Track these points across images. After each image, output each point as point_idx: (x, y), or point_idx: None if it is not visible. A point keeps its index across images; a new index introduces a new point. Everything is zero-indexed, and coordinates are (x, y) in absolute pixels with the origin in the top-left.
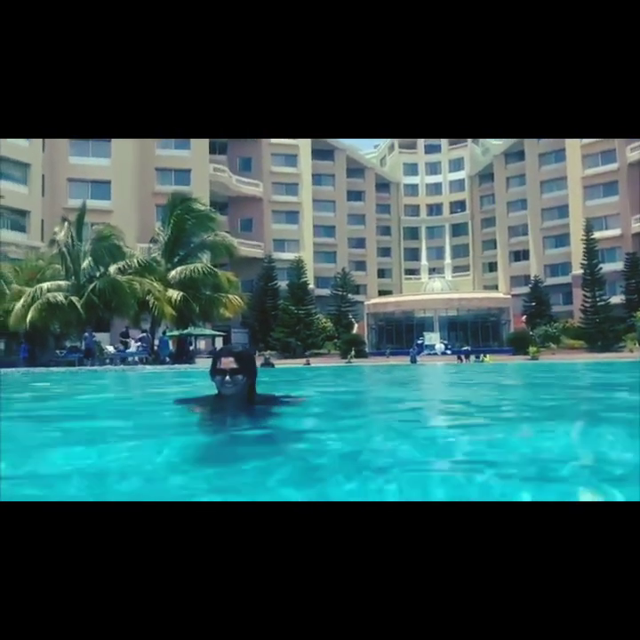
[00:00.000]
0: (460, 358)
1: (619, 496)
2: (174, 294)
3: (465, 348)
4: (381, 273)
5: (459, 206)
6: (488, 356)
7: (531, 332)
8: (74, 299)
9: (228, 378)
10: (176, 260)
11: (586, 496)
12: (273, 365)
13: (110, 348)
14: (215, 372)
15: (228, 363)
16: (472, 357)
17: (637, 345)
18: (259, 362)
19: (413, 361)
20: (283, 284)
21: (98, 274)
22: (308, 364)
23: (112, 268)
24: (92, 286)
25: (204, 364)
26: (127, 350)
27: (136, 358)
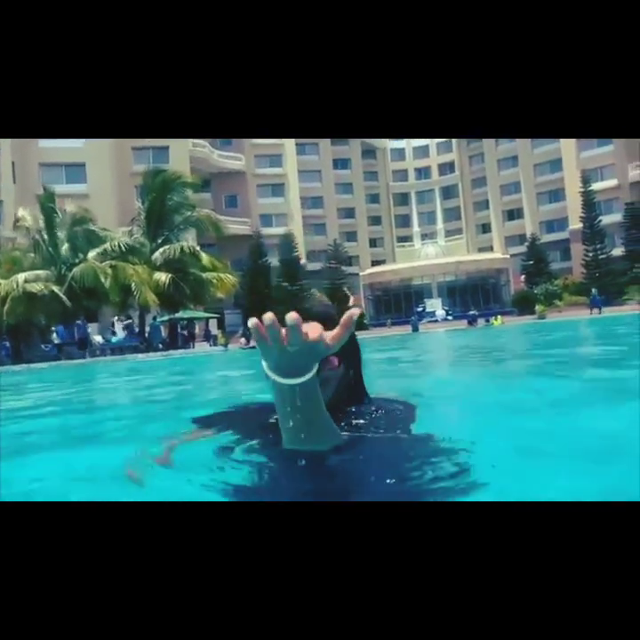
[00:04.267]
0: (470, 322)
1: None
2: (162, 277)
3: (472, 313)
4: (373, 242)
5: (448, 168)
6: (498, 318)
7: (535, 292)
8: (55, 288)
9: None
10: (160, 240)
11: None
12: None
13: (98, 339)
14: None
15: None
16: (480, 321)
17: None
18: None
19: (415, 329)
20: (273, 260)
21: (77, 260)
22: None
23: (91, 254)
24: (71, 274)
25: (203, 349)
26: (113, 339)
27: (126, 347)
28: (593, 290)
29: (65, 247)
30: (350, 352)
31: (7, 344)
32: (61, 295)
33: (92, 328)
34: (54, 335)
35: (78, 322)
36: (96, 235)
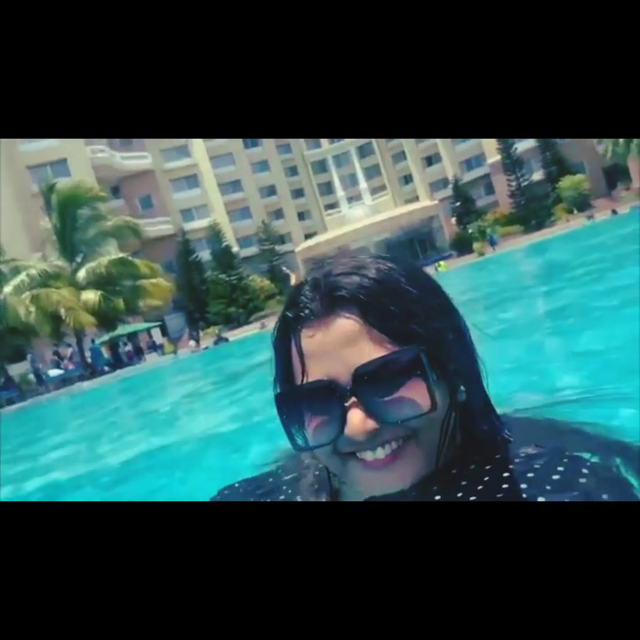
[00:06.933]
0: None
1: None
2: (90, 296)
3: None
4: (301, 216)
5: None
6: (442, 263)
7: (470, 231)
8: None
9: (362, 422)
10: (79, 259)
11: None
12: (227, 340)
13: (31, 377)
14: (309, 407)
15: (357, 346)
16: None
17: (573, 212)
18: (209, 342)
19: None
20: (205, 254)
21: None
22: (264, 327)
23: (7, 289)
24: None
25: (153, 361)
26: (51, 374)
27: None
28: (488, 230)
29: None
30: (462, 362)
31: None
32: None
33: (21, 368)
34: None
35: (29, 355)
36: (6, 266)
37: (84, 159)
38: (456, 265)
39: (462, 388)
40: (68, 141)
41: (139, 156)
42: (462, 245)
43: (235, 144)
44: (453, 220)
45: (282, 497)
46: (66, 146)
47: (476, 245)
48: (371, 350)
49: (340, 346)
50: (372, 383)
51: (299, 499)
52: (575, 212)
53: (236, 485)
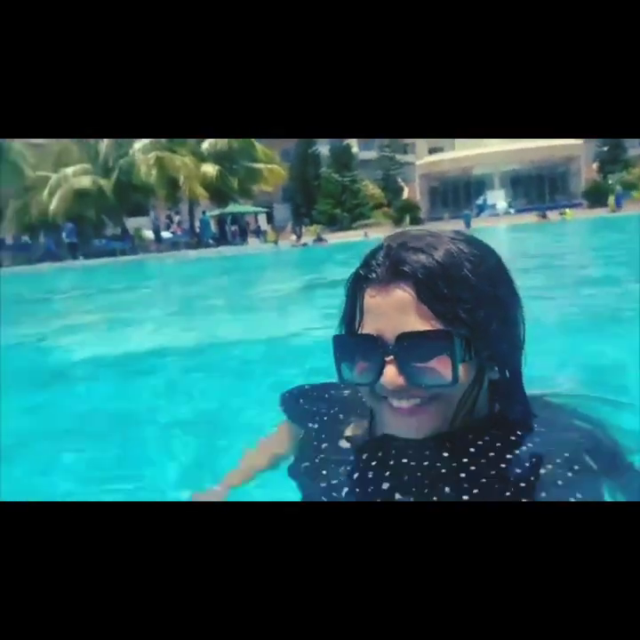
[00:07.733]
0: (543, 216)
1: None
2: (209, 169)
3: (543, 205)
4: None
5: None
6: (568, 211)
7: (609, 182)
8: (103, 182)
9: (395, 378)
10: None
11: None
12: (326, 241)
13: (148, 234)
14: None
15: (406, 315)
16: (551, 214)
17: None
18: (308, 239)
19: (468, 225)
20: (324, 149)
21: (122, 152)
22: (367, 236)
23: (137, 145)
24: (118, 167)
25: (255, 246)
26: (164, 235)
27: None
28: (617, 187)
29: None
30: (499, 350)
31: (51, 240)
32: (107, 192)
33: (141, 223)
34: (63, 235)
35: (69, 224)
36: None
37: None
38: (583, 216)
39: (496, 368)
40: None
41: None
42: (596, 196)
43: None
44: (595, 166)
45: (336, 409)
46: None
47: (611, 199)
48: (416, 322)
49: (393, 311)
50: (409, 349)
51: (342, 417)
52: None
53: (306, 388)
